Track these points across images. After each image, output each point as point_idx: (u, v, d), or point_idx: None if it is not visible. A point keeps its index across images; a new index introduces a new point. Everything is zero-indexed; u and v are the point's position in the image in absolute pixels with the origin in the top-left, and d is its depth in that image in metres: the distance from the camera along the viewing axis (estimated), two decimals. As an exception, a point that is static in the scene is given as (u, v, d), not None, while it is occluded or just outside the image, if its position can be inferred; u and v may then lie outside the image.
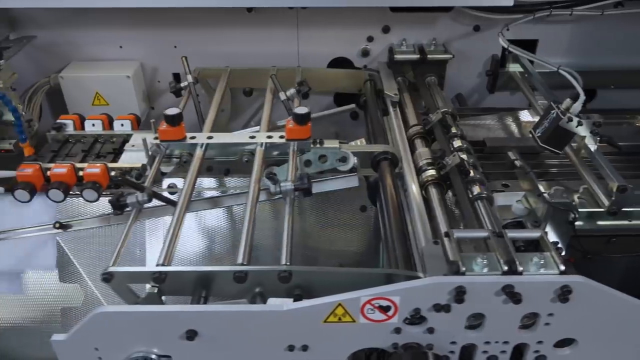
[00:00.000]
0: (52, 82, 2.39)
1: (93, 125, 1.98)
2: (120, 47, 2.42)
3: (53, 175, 1.72)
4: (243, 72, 2.39)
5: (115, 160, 1.84)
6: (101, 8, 2.25)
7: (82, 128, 1.99)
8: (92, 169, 1.72)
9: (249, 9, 2.29)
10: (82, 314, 1.96)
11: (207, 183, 2.05)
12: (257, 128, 2.03)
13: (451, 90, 2.53)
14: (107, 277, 1.36)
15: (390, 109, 2.15)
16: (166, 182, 1.94)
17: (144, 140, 1.79)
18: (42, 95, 2.39)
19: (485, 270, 1.26)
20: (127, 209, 1.58)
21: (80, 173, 1.72)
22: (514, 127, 2.21)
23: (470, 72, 2.50)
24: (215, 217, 2.02)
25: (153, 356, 1.37)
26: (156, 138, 1.82)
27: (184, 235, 1.99)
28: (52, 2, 2.05)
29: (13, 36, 2.33)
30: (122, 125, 1.98)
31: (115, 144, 1.93)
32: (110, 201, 1.58)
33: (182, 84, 2.22)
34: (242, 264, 1.38)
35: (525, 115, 2.26)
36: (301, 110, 1.78)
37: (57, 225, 1.86)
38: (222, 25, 2.36)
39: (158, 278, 1.36)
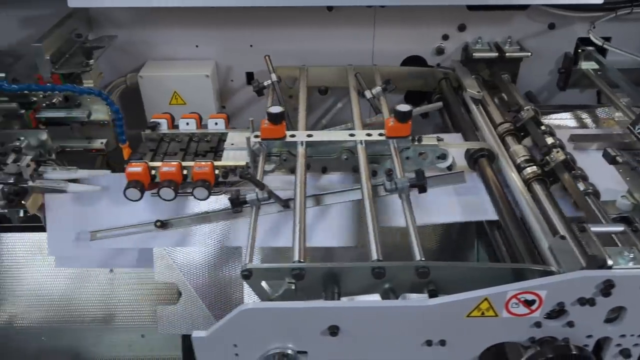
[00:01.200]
0: (128, 82, 2.39)
1: (187, 124, 1.98)
2: (196, 46, 2.43)
3: (163, 173, 1.73)
4: (318, 71, 2.40)
5: (215, 158, 1.85)
6: (178, 7, 2.26)
7: (174, 127, 2.00)
8: (201, 167, 1.73)
9: (330, 8, 2.30)
10: (179, 313, 1.96)
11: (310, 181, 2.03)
12: (342, 126, 2.06)
13: (520, 88, 2.54)
14: (247, 274, 1.38)
15: (473, 107, 2.17)
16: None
17: (248, 139, 1.80)
18: (117, 94, 2.40)
19: (631, 264, 1.28)
20: (246, 205, 1.60)
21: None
22: (593, 124, 2.23)
23: (541, 70, 2.51)
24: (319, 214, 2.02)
25: (290, 352, 1.39)
26: (257, 136, 1.83)
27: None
28: (135, 2, 2.06)
29: (91, 36, 2.33)
30: (215, 124, 1.99)
31: (211, 143, 1.94)
32: (230, 199, 1.59)
33: (265, 83, 2.23)
34: (378, 260, 1.39)
35: (602, 112, 2.28)
36: (404, 108, 1.79)
37: (159, 224, 1.87)
38: (299, 23, 2.37)
39: (298, 274, 1.37)
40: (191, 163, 1.77)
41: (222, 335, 1.34)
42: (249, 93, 2.56)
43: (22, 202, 1.91)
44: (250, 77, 2.51)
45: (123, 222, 1.94)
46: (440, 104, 2.29)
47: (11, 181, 1.90)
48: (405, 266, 1.38)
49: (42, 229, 1.99)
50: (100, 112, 2.09)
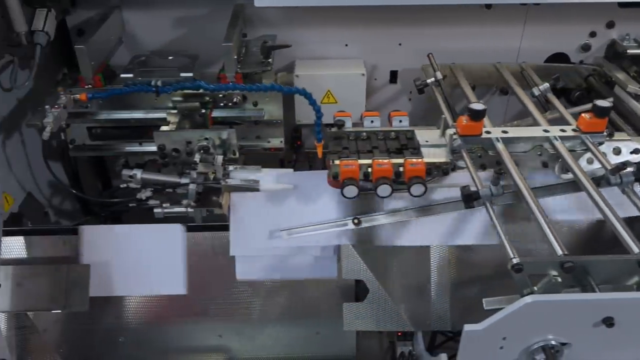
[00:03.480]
0: (278, 81, 2.40)
1: (372, 122, 2.00)
2: (346, 45, 2.45)
3: (377, 170, 1.74)
4: (467, 68, 2.41)
5: (409, 156, 1.86)
6: (330, 7, 2.27)
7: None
8: (414, 164, 1.75)
9: (488, 6, 2.32)
10: (365, 310, 1.97)
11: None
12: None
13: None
14: (519, 268, 1.39)
15: (633, 102, 2.20)
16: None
17: (450, 136, 1.82)
18: (264, 94, 2.40)
19: None
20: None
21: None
22: None
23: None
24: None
25: (554, 342, 1.41)
26: (454, 134, 1.85)
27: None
28: (324, 1, 2.07)
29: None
30: (400, 121, 2.01)
31: (399, 140, 1.95)
32: (463, 195, 1.61)
33: (428, 81, 2.24)
34: (564, 255, 1.40)
35: None
36: (603, 103, 1.82)
37: (356, 221, 1.88)
38: (451, 22, 2.39)
39: (570, 267, 1.38)
40: (400, 160, 1.78)
41: (496, 328, 1.36)
42: (390, 91, 2.59)
43: (215, 199, 1.94)
44: (394, 75, 2.53)
45: (307, 221, 1.95)
46: (611, 99, 2.31)
47: (201, 181, 1.92)
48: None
49: (222, 228, 2.00)
50: (274, 112, 2.11)
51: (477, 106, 1.82)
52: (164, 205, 1.95)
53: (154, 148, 2.11)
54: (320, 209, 1.95)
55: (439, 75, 2.23)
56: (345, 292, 2.07)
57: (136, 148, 2.18)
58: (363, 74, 2.36)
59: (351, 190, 1.73)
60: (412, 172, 1.75)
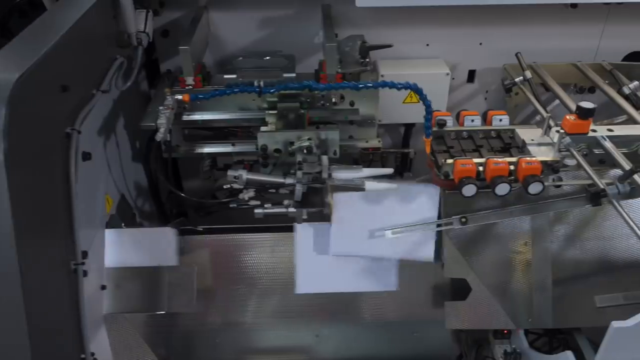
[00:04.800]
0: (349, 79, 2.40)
1: (472, 120, 2.01)
2: (427, 44, 2.45)
3: (493, 169, 1.75)
4: (547, 67, 2.42)
5: (516, 154, 1.87)
6: (416, 7, 2.28)
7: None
8: (530, 162, 1.76)
9: (574, 5, 2.34)
10: (468, 309, 1.99)
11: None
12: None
13: None
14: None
15: None
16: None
17: (560, 135, 1.83)
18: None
19: None
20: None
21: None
22: None
23: None
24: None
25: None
26: (561, 131, 1.86)
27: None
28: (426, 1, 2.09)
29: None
30: (500, 120, 2.01)
31: (502, 139, 1.96)
32: (590, 193, 1.62)
33: (516, 80, 2.26)
34: None
35: None
36: None
37: (464, 220, 1.89)
38: (532, 21, 2.40)
39: None
40: (513, 159, 1.79)
41: (647, 325, 1.37)
42: (466, 90, 2.60)
43: (317, 199, 1.94)
44: (471, 74, 2.54)
45: (408, 220, 1.96)
46: None
47: (306, 181, 1.93)
48: None
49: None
50: (369, 111, 2.11)
51: (587, 104, 1.83)
52: (265, 205, 1.96)
53: (248, 148, 2.14)
54: (421, 208, 1.96)
55: (528, 74, 2.24)
56: (441, 292, 2.07)
57: (229, 149, 2.18)
58: (448, 74, 2.37)
59: (470, 189, 1.74)
60: (527, 171, 1.75)
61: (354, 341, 2.15)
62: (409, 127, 2.58)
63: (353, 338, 2.15)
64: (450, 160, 1.81)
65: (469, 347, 2.36)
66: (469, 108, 2.61)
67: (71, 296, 1.44)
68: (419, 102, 2.39)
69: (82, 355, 1.47)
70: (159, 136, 1.80)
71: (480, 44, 2.46)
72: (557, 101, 2.56)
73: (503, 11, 2.36)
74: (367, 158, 2.47)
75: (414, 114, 2.43)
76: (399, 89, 1.83)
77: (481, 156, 1.87)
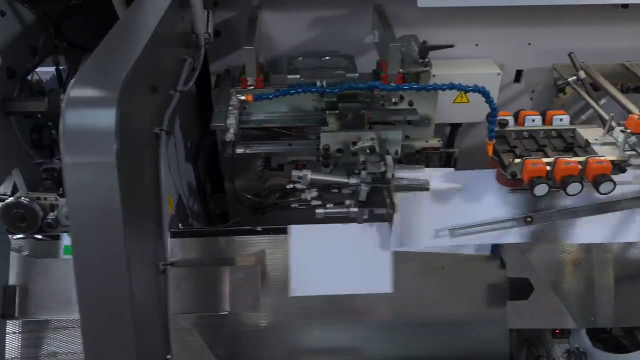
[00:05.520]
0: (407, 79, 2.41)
1: (533, 120, 2.01)
2: (476, 45, 2.46)
3: (563, 169, 1.76)
4: (596, 67, 2.44)
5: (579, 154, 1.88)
6: (466, 7, 2.29)
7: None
8: (600, 162, 1.77)
9: (624, 6, 2.35)
10: (531, 308, 2.00)
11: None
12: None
13: None
14: None
15: None
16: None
17: (626, 134, 1.84)
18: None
19: None
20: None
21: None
22: None
23: None
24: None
25: None
26: (627, 130, 1.87)
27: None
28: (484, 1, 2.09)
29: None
30: (560, 120, 2.02)
31: (564, 139, 1.97)
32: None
33: (569, 79, 2.27)
34: None
35: None
36: None
37: (529, 219, 1.90)
38: (582, 21, 2.41)
39: None
40: (581, 158, 1.80)
41: None
42: (513, 90, 2.61)
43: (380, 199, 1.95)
44: (518, 74, 2.55)
45: (472, 220, 1.97)
46: None
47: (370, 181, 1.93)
48: None
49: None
50: (427, 111, 2.12)
51: (653, 104, 1.85)
52: (327, 205, 1.96)
53: (304, 149, 2.14)
54: (486, 208, 1.97)
55: (582, 74, 2.26)
56: (499, 291, 2.07)
57: (286, 149, 2.17)
58: (499, 74, 2.38)
59: (542, 188, 1.74)
60: (597, 170, 1.76)
61: (408, 340, 2.14)
62: (456, 126, 2.59)
63: (407, 337, 2.14)
64: (518, 160, 1.82)
65: (518, 347, 2.37)
66: (514, 108, 2.62)
67: (160, 297, 1.44)
68: (469, 102, 2.43)
69: (168, 356, 1.47)
70: (229, 136, 1.80)
71: (529, 44, 2.47)
72: (603, 100, 2.58)
73: (553, 11, 2.38)
74: (413, 158, 2.48)
75: (463, 113, 2.44)
76: (467, 92, 1.84)
77: (546, 156, 1.88)
